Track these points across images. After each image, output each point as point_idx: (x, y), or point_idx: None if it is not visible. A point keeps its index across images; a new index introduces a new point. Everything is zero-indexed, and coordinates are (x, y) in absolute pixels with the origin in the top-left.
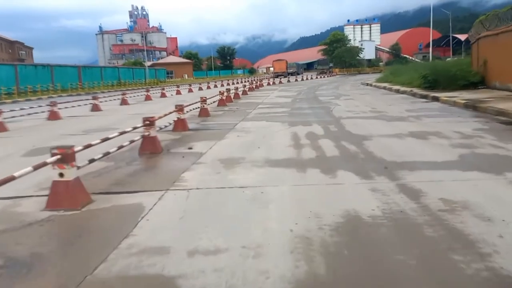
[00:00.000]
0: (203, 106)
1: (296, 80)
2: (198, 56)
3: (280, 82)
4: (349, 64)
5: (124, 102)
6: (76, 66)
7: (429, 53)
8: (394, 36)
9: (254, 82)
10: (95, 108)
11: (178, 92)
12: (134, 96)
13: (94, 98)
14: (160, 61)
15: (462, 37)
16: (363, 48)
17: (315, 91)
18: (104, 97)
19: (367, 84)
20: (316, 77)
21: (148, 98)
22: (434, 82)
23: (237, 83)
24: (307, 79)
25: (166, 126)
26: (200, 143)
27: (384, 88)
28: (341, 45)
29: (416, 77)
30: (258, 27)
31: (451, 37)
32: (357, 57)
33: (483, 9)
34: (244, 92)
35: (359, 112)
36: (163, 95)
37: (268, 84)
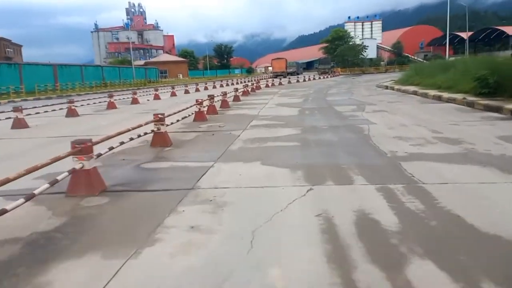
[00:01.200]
0: (158, 129)
1: (298, 80)
2: (194, 55)
3: (280, 84)
4: (351, 63)
5: (71, 113)
6: (51, 64)
7: (430, 51)
8: (394, 34)
9: (250, 83)
10: (17, 124)
11: (157, 97)
12: (97, 103)
13: (16, 110)
14: (153, 59)
15: (465, 35)
16: (367, 46)
17: (325, 96)
18: (57, 104)
19: (386, 87)
20: (319, 77)
21: (111, 106)
22: (496, 87)
23: (232, 84)
24: (309, 79)
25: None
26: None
27: (415, 93)
28: (343, 42)
29: (464, 79)
30: (257, 25)
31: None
32: (361, 56)
33: (483, 7)
34: (236, 98)
35: (417, 140)
36: (135, 101)
37: (267, 86)
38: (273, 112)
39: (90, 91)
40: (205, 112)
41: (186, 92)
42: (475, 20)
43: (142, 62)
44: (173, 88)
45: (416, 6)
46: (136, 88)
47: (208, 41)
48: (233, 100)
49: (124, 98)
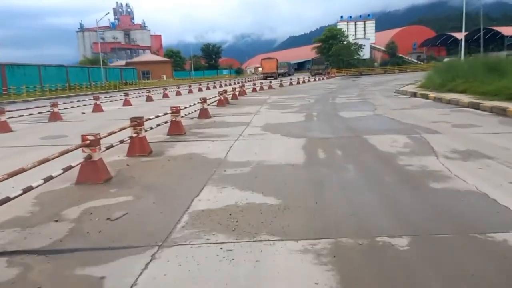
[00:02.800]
0: None
1: (291, 83)
2: (180, 55)
3: (270, 87)
4: (347, 64)
5: None
6: None
7: (423, 52)
8: (387, 35)
9: (233, 87)
10: None
11: (127, 103)
12: (45, 112)
13: None
14: (135, 59)
15: (459, 35)
16: (364, 45)
17: (334, 109)
18: None
19: (414, 95)
20: (314, 79)
21: (55, 117)
22: None
23: (215, 87)
24: (303, 81)
25: None
26: None
27: (476, 106)
28: (337, 41)
29: None
30: (247, 26)
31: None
32: (357, 56)
33: (474, 8)
34: (203, 113)
35: None
36: (97, 109)
37: (253, 90)
38: (254, 154)
39: (43, 97)
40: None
41: (148, 99)
42: (467, 21)
43: (122, 62)
44: (148, 92)
45: (406, 8)
46: (103, 91)
47: (198, 42)
48: (199, 117)
49: (85, 105)
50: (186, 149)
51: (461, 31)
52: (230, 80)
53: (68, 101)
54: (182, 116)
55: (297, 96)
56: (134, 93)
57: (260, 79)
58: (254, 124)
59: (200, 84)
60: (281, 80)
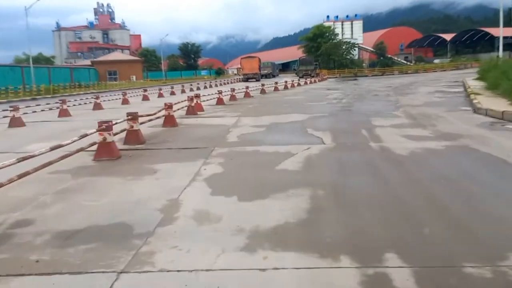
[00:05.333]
0: None
1: (276, 87)
2: (156, 54)
3: (246, 94)
4: (339, 64)
5: None
6: None
7: (411, 53)
8: (373, 36)
9: (190, 97)
10: None
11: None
12: None
13: None
14: (100, 58)
15: (448, 36)
16: (357, 44)
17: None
18: None
19: None
20: (305, 82)
21: None
22: None
23: (183, 91)
24: (292, 85)
25: None
26: None
27: None
28: (326, 40)
29: None
30: (231, 27)
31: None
32: (350, 55)
33: (455, 11)
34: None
35: None
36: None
37: (219, 102)
38: None
39: None
40: None
41: (125, 102)
42: (449, 24)
43: (87, 61)
44: (97, 98)
45: (389, 10)
46: (28, 98)
47: (182, 42)
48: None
49: None
50: None
51: (446, 32)
52: (205, 82)
53: None
54: None
55: (290, 121)
56: (81, 99)
57: (240, 81)
58: None
59: (173, 88)
60: (262, 85)
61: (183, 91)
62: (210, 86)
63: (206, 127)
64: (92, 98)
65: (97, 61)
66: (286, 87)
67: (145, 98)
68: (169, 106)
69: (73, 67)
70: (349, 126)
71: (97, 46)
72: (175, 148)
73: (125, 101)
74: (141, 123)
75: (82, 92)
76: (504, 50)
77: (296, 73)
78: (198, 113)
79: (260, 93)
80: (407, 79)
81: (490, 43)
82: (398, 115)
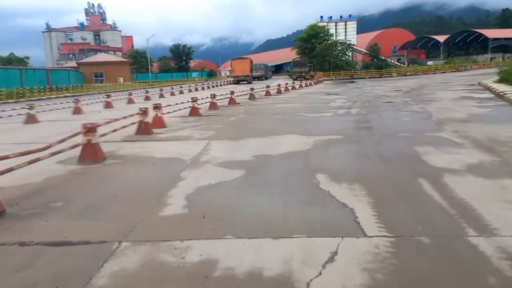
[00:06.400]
0: None
1: (267, 93)
2: (146, 56)
3: (232, 101)
4: (334, 66)
5: None
6: None
7: (404, 55)
8: (366, 37)
9: (144, 111)
10: None
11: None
12: None
13: None
14: (86, 60)
15: (441, 38)
16: (353, 45)
17: None
18: None
19: None
20: (300, 86)
21: None
22: None
23: (160, 97)
24: (286, 89)
25: None
26: None
27: None
28: (321, 40)
29: None
30: (225, 29)
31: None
32: (346, 57)
33: (447, 12)
34: None
35: None
36: None
37: (193, 112)
38: None
39: None
40: None
41: (108, 106)
42: (441, 25)
43: (73, 63)
44: (77, 102)
45: (381, 12)
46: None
47: (175, 44)
48: None
49: None
50: None
51: (438, 34)
52: (191, 85)
53: None
54: None
55: (285, 151)
56: (48, 105)
57: (231, 83)
58: None
59: (162, 91)
60: (251, 90)
61: (161, 96)
62: (196, 90)
63: (147, 165)
64: (65, 102)
65: (83, 63)
66: (279, 91)
67: (108, 105)
68: (89, 130)
69: (50, 69)
70: (389, 169)
71: (88, 48)
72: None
73: (77, 111)
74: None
75: (53, 96)
76: (497, 52)
77: (289, 75)
78: (156, 131)
79: (249, 98)
80: (411, 81)
81: (483, 44)
82: (455, 141)
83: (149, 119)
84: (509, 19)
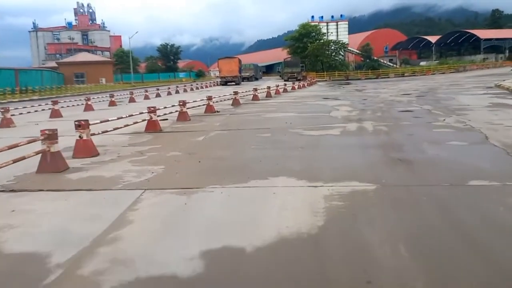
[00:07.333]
0: None
1: (255, 97)
2: (132, 56)
3: (210, 109)
4: (328, 66)
5: None
6: None
7: (395, 55)
8: (358, 38)
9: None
10: None
11: None
12: None
13: None
14: (67, 59)
15: (433, 38)
16: (347, 44)
17: None
18: None
19: None
20: (292, 87)
21: None
22: None
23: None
24: (277, 91)
25: None
26: None
27: None
28: (313, 40)
29: None
30: (215, 29)
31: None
32: (340, 56)
33: (436, 14)
34: None
35: None
36: None
37: (149, 126)
38: None
39: None
40: None
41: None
42: (431, 26)
43: (52, 63)
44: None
45: (371, 13)
46: None
47: (162, 44)
48: None
49: None
50: None
51: (428, 34)
52: (177, 86)
53: None
54: None
55: (270, 241)
56: None
57: (218, 84)
58: None
59: (113, 97)
60: (235, 93)
61: (131, 100)
62: (177, 92)
63: None
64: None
65: (63, 63)
66: (268, 95)
67: (55, 114)
68: None
69: (19, 69)
70: None
71: (76, 48)
72: None
73: (5, 123)
74: None
75: (5, 101)
76: (489, 52)
77: (280, 76)
78: (75, 164)
79: (232, 104)
80: (414, 83)
81: (474, 45)
82: None
83: (72, 143)
84: (499, 20)
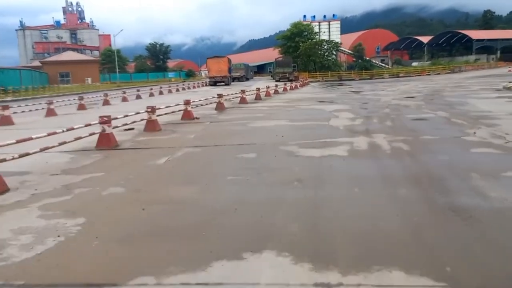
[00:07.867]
0: None
1: (243, 99)
2: (120, 55)
3: (187, 115)
4: (320, 66)
5: None
6: None
7: (387, 56)
8: (349, 38)
9: None
10: None
11: None
12: None
13: None
14: (51, 58)
15: (425, 39)
16: (341, 43)
17: None
18: None
19: None
20: (284, 88)
21: None
22: None
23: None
24: (267, 93)
25: None
26: None
27: None
28: (305, 39)
29: None
30: (207, 28)
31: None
32: (333, 56)
33: (428, 14)
34: None
35: None
36: None
37: (101, 141)
38: None
39: None
40: None
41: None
42: (423, 26)
43: (35, 62)
44: None
45: (363, 13)
46: None
47: (151, 43)
48: None
49: None
50: None
51: (420, 35)
52: (161, 87)
53: None
54: None
55: None
56: None
57: (207, 85)
58: None
59: (82, 99)
60: (219, 96)
61: (106, 102)
62: (161, 93)
63: None
64: None
65: (47, 62)
66: (258, 97)
67: (4, 121)
68: None
69: None
70: None
71: (64, 47)
72: None
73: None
74: None
75: None
76: (480, 53)
77: (272, 76)
78: None
79: (216, 109)
80: (414, 84)
81: (466, 46)
82: None
83: None
84: (491, 21)
